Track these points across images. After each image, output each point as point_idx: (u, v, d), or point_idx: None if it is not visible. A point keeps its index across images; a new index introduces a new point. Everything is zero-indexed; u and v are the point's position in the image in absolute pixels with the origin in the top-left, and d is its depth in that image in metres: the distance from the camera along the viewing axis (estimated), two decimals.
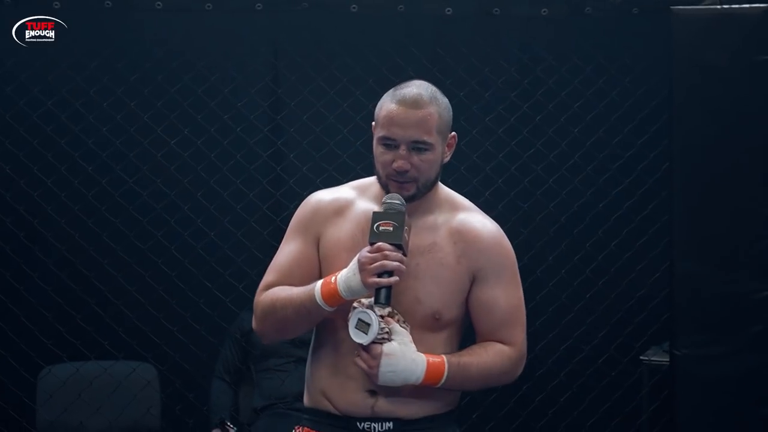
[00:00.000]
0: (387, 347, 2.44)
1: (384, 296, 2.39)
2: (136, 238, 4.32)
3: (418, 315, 2.49)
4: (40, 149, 4.28)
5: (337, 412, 2.53)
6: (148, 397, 4.34)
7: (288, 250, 2.58)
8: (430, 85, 2.53)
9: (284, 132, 4.48)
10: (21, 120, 4.26)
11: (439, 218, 2.54)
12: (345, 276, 2.42)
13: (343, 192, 2.61)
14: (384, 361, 2.43)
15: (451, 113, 2.52)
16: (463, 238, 2.53)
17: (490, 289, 2.53)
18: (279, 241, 4.32)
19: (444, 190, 2.59)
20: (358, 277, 2.40)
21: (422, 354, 2.47)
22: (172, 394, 4.39)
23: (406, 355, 2.44)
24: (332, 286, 2.43)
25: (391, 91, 2.51)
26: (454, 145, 2.55)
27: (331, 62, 4.36)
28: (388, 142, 2.45)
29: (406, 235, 2.39)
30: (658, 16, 3.84)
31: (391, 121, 2.44)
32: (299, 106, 4.40)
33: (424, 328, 2.50)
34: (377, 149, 2.48)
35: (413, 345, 2.47)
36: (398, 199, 2.43)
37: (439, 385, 2.47)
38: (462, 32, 4.43)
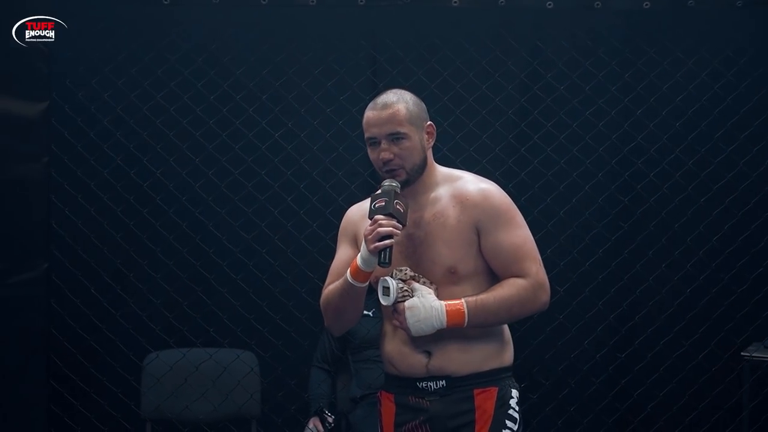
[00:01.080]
0: (408, 302, 2.88)
1: (386, 257, 2.83)
2: (241, 228, 4.39)
3: (438, 273, 2.93)
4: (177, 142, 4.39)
5: (401, 375, 2.99)
6: (250, 384, 4.40)
7: (337, 256, 3.09)
8: (400, 90, 3.01)
9: None
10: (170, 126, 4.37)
11: (439, 192, 2.98)
12: (360, 251, 2.90)
13: (368, 200, 3.01)
14: (408, 314, 2.88)
15: (423, 107, 2.98)
16: (459, 200, 2.95)
17: (491, 236, 2.93)
18: None
19: (441, 169, 3.03)
20: (365, 248, 2.86)
21: (441, 301, 2.89)
22: (273, 381, 4.44)
23: (425, 305, 2.87)
24: (354, 263, 2.92)
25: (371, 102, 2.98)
26: (434, 133, 3.00)
27: (431, 56, 4.39)
28: (372, 141, 2.94)
29: (399, 207, 2.84)
30: (761, 9, 3.79)
31: (369, 124, 2.95)
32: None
33: (447, 283, 2.93)
34: (368, 152, 2.97)
35: (433, 296, 2.89)
36: (391, 181, 2.90)
37: (465, 323, 2.87)
38: (562, 26, 4.42)
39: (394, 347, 3.01)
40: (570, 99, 4.40)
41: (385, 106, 2.95)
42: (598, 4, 3.97)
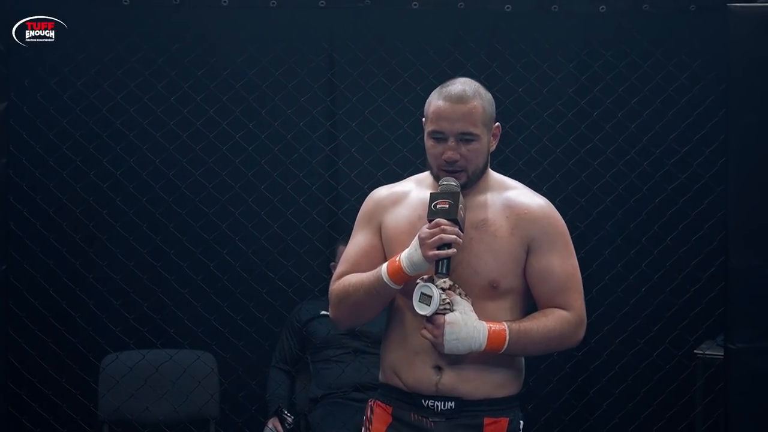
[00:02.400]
0: (450, 316, 2.62)
1: (444, 267, 2.59)
2: (202, 229, 4.39)
3: (477, 285, 2.69)
4: (136, 141, 4.38)
5: (405, 388, 2.73)
6: (210, 385, 4.40)
7: (355, 242, 2.81)
8: (473, 81, 2.75)
9: (345, 126, 4.53)
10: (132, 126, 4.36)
11: (490, 198, 2.75)
12: (408, 253, 2.63)
13: (401, 185, 2.86)
14: (447, 329, 2.61)
15: (494, 106, 2.76)
16: (514, 211, 2.73)
17: (544, 257, 2.72)
18: (338, 233, 4.45)
19: (494, 174, 2.81)
20: (419, 252, 2.60)
21: (483, 321, 2.64)
22: (234, 381, 4.45)
23: (468, 323, 2.62)
24: (397, 263, 2.64)
25: (438, 88, 2.74)
26: (499, 135, 2.77)
27: (391, 58, 4.41)
28: (438, 136, 2.68)
29: (461, 212, 2.60)
30: (715, 13, 3.84)
31: (439, 116, 2.67)
32: (360, 101, 4.45)
33: (483, 297, 2.69)
34: (428, 143, 2.71)
35: (474, 314, 2.64)
36: (453, 181, 2.66)
37: (502, 350, 2.65)
38: (521, 28, 4.46)
39: (401, 357, 2.75)
40: (528, 101, 4.44)
41: (462, 99, 2.68)
42: (555, 8, 4.01)
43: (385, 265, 2.68)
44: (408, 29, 4.42)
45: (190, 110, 4.38)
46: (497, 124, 2.78)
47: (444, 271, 2.60)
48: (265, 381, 4.46)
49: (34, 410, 4.25)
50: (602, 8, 3.99)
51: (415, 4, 3.92)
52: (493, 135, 2.77)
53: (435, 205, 2.63)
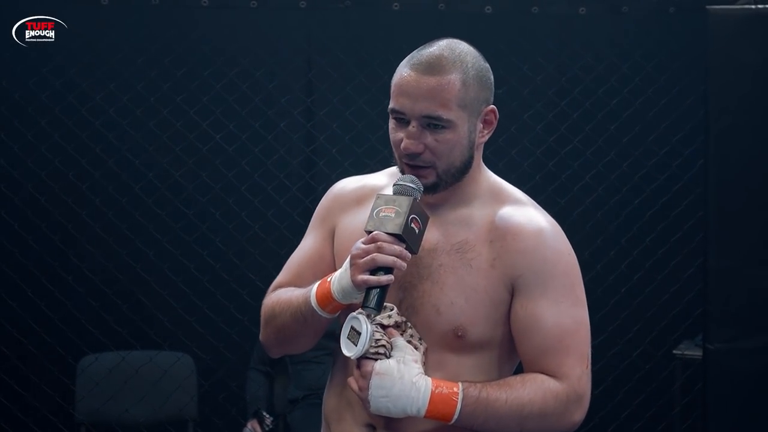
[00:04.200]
0: (380, 364, 1.92)
1: (374, 300, 1.90)
2: (182, 230, 4.38)
3: (437, 329, 1.97)
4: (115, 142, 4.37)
5: None
6: (189, 387, 4.40)
7: (302, 246, 2.16)
8: (461, 44, 2.02)
9: (325, 127, 4.51)
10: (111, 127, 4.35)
11: (477, 212, 2.02)
12: (339, 274, 1.95)
13: (373, 179, 2.15)
14: (374, 381, 1.91)
15: (489, 79, 2.02)
16: (501, 235, 1.99)
17: (531, 302, 1.97)
18: None
19: (489, 178, 2.07)
20: (347, 271, 1.93)
21: (428, 378, 1.92)
22: (214, 383, 4.45)
23: (404, 376, 1.90)
24: (326, 285, 1.96)
25: (414, 51, 2.03)
26: (495, 122, 2.03)
27: (372, 59, 4.41)
28: (398, 116, 1.96)
29: (414, 225, 1.91)
30: (694, 15, 3.87)
31: (400, 89, 1.96)
32: (341, 102, 4.45)
33: (444, 347, 1.98)
34: (390, 124, 2.00)
35: (418, 366, 1.93)
36: (412, 182, 1.95)
37: (452, 420, 1.92)
38: (500, 30, 4.47)
39: (335, 408, 2.07)
40: (508, 102, 4.44)
41: (432, 68, 1.94)
42: (535, 9, 4.02)
43: (316, 285, 1.99)
44: (388, 30, 4.43)
45: (170, 111, 4.37)
46: (491, 107, 2.01)
47: (373, 306, 1.89)
48: (244, 382, 4.46)
49: (11, 412, 4.23)
50: (582, 10, 4.01)
51: (395, 6, 3.93)
52: (485, 122, 2.00)
53: (378, 212, 1.93)
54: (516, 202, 2.04)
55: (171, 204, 4.40)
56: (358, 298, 1.92)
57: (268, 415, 4.32)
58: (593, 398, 4.50)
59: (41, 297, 4.27)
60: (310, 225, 2.17)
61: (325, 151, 4.54)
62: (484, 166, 2.08)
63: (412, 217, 1.91)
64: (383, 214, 1.92)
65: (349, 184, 2.15)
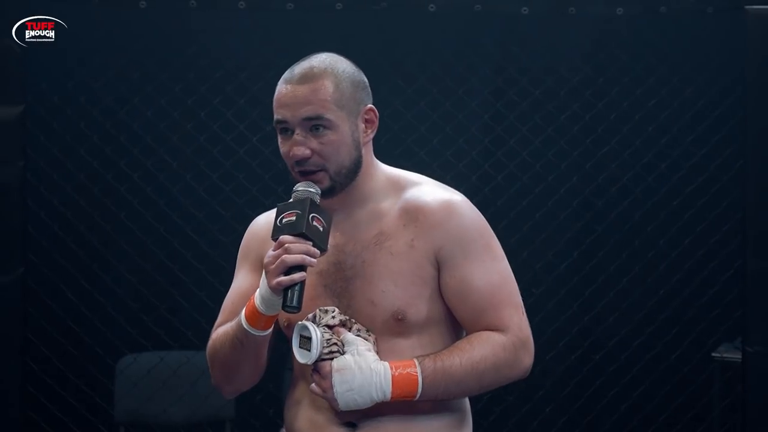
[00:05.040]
0: (337, 362, 2.01)
1: (293, 298, 1.98)
2: (219, 232, 4.40)
3: (378, 319, 2.08)
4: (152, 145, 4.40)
5: None
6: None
7: (233, 286, 2.24)
8: (332, 55, 2.18)
9: None
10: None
11: (383, 204, 2.13)
12: (259, 288, 2.03)
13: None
14: (336, 378, 2.00)
15: (362, 82, 2.16)
16: (412, 217, 2.10)
17: (458, 269, 2.08)
18: None
19: (385, 172, 2.19)
20: (265, 282, 2.00)
21: (384, 362, 2.02)
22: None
23: (362, 366, 2.00)
24: (251, 303, 2.04)
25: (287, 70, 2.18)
26: (376, 120, 2.16)
27: (408, 60, 4.41)
28: (282, 126, 2.09)
29: (317, 224, 2.01)
30: (732, 15, 3.84)
31: (279, 102, 2.10)
32: (376, 103, 4.45)
33: (391, 333, 2.08)
34: (279, 140, 2.12)
35: (372, 354, 2.03)
36: (308, 186, 2.06)
37: (417, 395, 2.02)
38: (537, 31, 4.46)
39: (304, 419, 2.13)
40: (545, 103, 4.44)
41: (305, 78, 2.09)
42: (572, 10, 4.00)
43: (244, 307, 2.07)
44: (423, 32, 4.43)
45: (207, 113, 4.39)
46: (369, 106, 2.13)
47: (294, 304, 1.97)
48: (280, 383, 4.47)
49: (51, 412, 4.27)
50: (619, 11, 3.98)
51: (431, 7, 3.92)
52: (366, 120, 2.13)
53: (281, 220, 2.02)
54: (416, 184, 2.16)
55: (208, 206, 4.42)
56: (278, 306, 2.00)
57: None
58: (631, 401, 4.51)
59: (80, 298, 4.31)
60: (236, 267, 2.26)
61: None
62: (378, 162, 2.19)
63: (313, 216, 2.00)
64: (285, 220, 2.01)
65: (260, 219, 2.27)
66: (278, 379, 4.46)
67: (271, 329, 2.08)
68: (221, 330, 2.15)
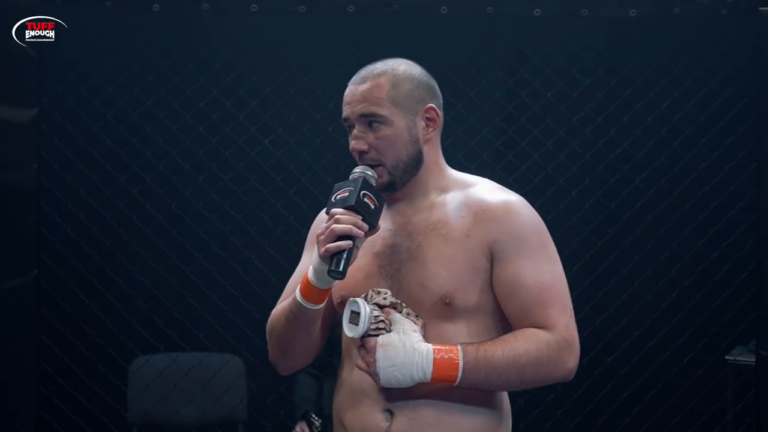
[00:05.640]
0: (382, 338, 2.09)
1: (338, 263, 2.08)
2: (231, 234, 4.42)
3: (427, 302, 2.15)
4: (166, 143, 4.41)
5: None
6: (238, 389, 4.42)
7: (297, 268, 2.34)
8: (399, 59, 2.32)
9: None
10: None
11: (444, 196, 2.22)
12: (313, 260, 2.14)
13: None
14: (380, 353, 2.08)
15: (424, 83, 2.27)
16: (471, 210, 2.18)
17: (510, 265, 2.14)
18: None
19: (452, 173, 2.28)
20: (317, 253, 2.11)
21: (428, 343, 2.10)
22: (263, 385, 4.47)
23: (406, 345, 2.07)
24: (305, 277, 2.15)
25: None
26: (439, 120, 2.24)
27: (419, 62, 4.41)
28: (346, 124, 2.24)
29: (368, 201, 2.11)
30: (746, 17, 3.83)
31: (344, 101, 2.25)
32: None
33: (439, 317, 2.15)
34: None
35: (418, 335, 2.11)
36: (363, 169, 2.18)
37: (457, 380, 2.08)
38: (549, 33, 4.46)
39: (348, 402, 2.20)
40: (557, 105, 4.43)
41: (364, 78, 2.23)
42: (584, 12, 3.99)
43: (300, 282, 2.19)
44: (436, 34, 4.43)
45: (220, 115, 4.40)
46: (430, 105, 2.23)
47: (338, 269, 2.07)
48: (293, 385, 4.48)
49: (64, 413, 4.28)
50: (632, 12, 3.98)
51: (443, 9, 3.92)
52: (427, 119, 2.22)
53: (335, 196, 2.14)
54: (478, 184, 2.25)
55: (220, 208, 4.43)
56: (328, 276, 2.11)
57: (316, 418, 4.32)
58: (644, 404, 4.50)
59: (93, 300, 4.32)
60: (304, 251, 2.36)
61: None
62: (446, 165, 2.28)
63: (364, 193, 2.12)
64: (339, 196, 2.14)
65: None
66: (290, 381, 4.46)
67: (323, 304, 2.17)
68: (279, 306, 2.26)
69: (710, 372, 4.42)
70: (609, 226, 4.42)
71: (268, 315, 4.38)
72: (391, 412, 2.15)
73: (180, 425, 4.39)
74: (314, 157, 4.46)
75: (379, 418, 2.15)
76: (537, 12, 3.98)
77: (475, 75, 4.39)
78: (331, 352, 4.46)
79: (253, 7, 3.91)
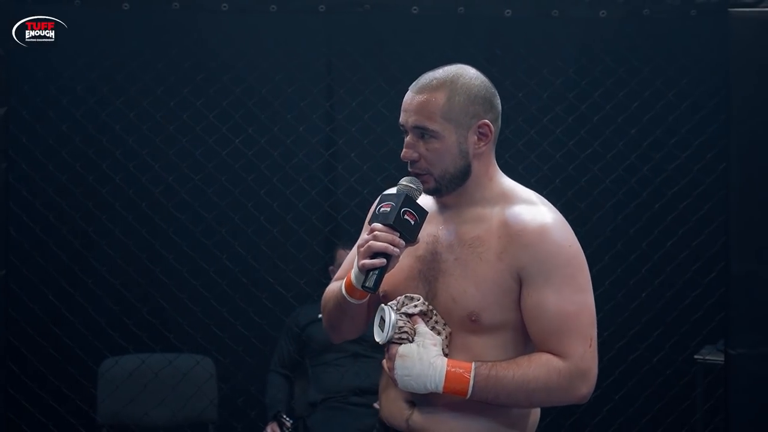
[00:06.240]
0: (402, 348, 2.25)
1: (369, 280, 2.21)
2: (201, 234, 4.40)
3: (455, 315, 2.26)
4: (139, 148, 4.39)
5: (384, 420, 2.39)
6: (210, 390, 4.40)
7: (358, 243, 2.34)
8: (462, 67, 2.34)
9: (344, 131, 4.54)
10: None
11: (489, 211, 2.27)
12: (354, 264, 2.28)
13: None
14: (398, 362, 2.23)
15: (481, 97, 2.28)
16: (507, 231, 2.23)
17: (536, 291, 2.21)
18: (338, 238, 4.47)
19: (503, 183, 2.33)
20: (357, 262, 2.25)
21: (444, 358, 2.23)
22: (233, 386, 4.46)
23: (423, 358, 2.21)
24: (349, 275, 2.30)
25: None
26: (491, 135, 2.29)
27: (391, 63, 4.41)
28: (401, 128, 2.30)
29: (408, 217, 2.21)
30: (715, 18, 3.85)
31: (402, 107, 2.30)
32: (360, 105, 4.46)
33: (465, 330, 2.26)
34: None
35: (437, 348, 2.24)
36: (411, 182, 2.27)
37: (468, 395, 2.21)
38: (520, 34, 4.47)
39: (383, 386, 2.40)
40: (528, 106, 4.44)
41: (423, 88, 2.27)
42: (555, 13, 4.00)
43: (348, 274, 2.33)
44: (407, 34, 4.42)
45: (190, 115, 4.38)
46: (483, 121, 2.27)
47: (370, 285, 2.21)
48: (264, 386, 4.47)
49: (33, 415, 4.25)
50: (602, 13, 3.99)
51: (414, 9, 3.91)
52: (481, 134, 2.27)
53: (379, 209, 2.24)
54: (525, 201, 2.29)
55: (190, 208, 4.42)
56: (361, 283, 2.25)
57: (287, 418, 4.32)
58: (614, 403, 4.51)
59: (62, 300, 4.29)
60: (363, 230, 2.42)
61: (344, 154, 4.55)
62: (499, 173, 2.35)
63: (405, 210, 2.22)
64: (382, 209, 2.24)
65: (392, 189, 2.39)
66: (261, 381, 4.45)
67: (365, 300, 2.32)
68: (334, 284, 2.41)
69: (679, 371, 4.44)
70: (579, 226, 4.38)
71: (238, 315, 4.42)
72: (412, 403, 2.31)
73: (150, 426, 4.37)
74: (285, 157, 4.45)
75: (402, 407, 2.32)
76: (508, 12, 3.98)
77: None
78: (301, 353, 4.46)
79: (224, 6, 3.89)
